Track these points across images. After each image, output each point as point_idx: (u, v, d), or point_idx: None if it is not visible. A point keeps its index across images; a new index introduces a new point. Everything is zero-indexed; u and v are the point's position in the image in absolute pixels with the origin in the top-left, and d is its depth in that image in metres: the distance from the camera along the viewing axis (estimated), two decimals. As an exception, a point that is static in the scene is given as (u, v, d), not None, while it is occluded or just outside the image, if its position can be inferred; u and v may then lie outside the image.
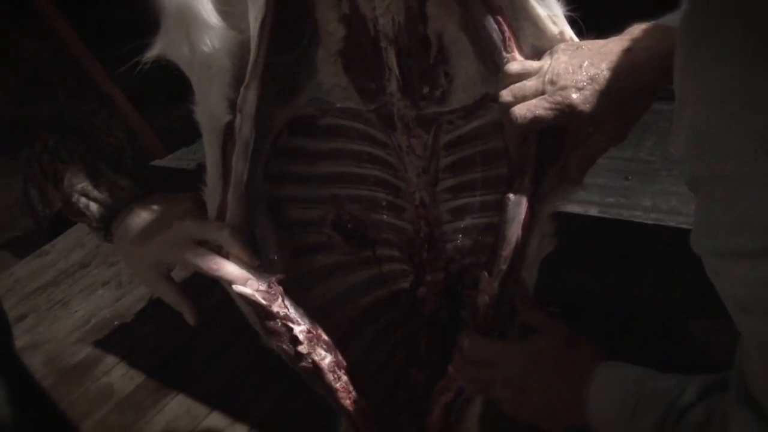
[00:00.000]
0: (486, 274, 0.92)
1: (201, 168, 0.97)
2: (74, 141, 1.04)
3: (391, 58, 0.95)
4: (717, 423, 0.68)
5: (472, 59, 0.92)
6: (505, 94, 0.83)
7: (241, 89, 0.92)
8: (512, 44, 0.85)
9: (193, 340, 2.06)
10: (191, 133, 1.00)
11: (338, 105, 1.00)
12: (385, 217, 1.07)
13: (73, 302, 2.43)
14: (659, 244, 1.61)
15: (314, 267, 1.08)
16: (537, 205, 0.89)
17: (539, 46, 0.86)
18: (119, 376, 2.01)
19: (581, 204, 1.72)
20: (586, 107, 0.79)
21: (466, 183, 1.02)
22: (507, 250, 0.90)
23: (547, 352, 0.90)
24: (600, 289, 1.85)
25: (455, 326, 1.06)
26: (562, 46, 0.84)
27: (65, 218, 1.11)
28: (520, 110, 0.81)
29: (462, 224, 1.04)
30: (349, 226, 1.07)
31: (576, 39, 0.87)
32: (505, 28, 0.85)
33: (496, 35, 0.85)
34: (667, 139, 1.86)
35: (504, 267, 0.91)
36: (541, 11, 0.84)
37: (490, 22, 0.85)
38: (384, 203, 1.06)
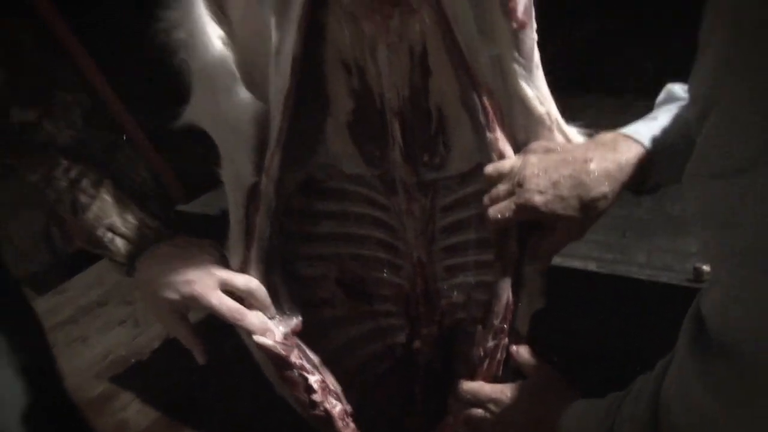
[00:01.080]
0: (481, 328, 1.02)
1: (225, 214, 1.06)
2: (99, 174, 1.09)
3: (396, 129, 1.05)
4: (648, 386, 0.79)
5: (468, 130, 1.02)
6: (485, 200, 0.97)
7: (268, 155, 1.02)
8: (494, 124, 0.96)
9: (208, 379, 2.13)
10: (213, 178, 1.07)
11: (345, 170, 1.10)
12: (384, 274, 1.16)
13: (91, 339, 2.52)
14: (653, 299, 1.69)
15: (319, 320, 1.16)
16: (523, 267, 0.99)
17: (527, 125, 0.97)
18: (135, 412, 2.09)
19: (581, 259, 1.81)
20: (547, 209, 0.91)
21: (461, 243, 1.11)
22: (498, 307, 1.00)
23: (528, 392, 0.99)
24: (597, 340, 1.91)
25: (448, 376, 1.14)
26: (534, 146, 0.96)
27: (83, 256, 1.18)
28: (494, 211, 0.95)
29: (456, 281, 1.13)
30: (350, 283, 1.16)
31: (561, 120, 0.97)
32: (489, 110, 0.95)
33: (481, 116, 0.96)
34: (662, 199, 1.95)
35: (496, 322, 1.01)
36: (529, 92, 0.95)
37: (477, 103, 0.96)
38: (384, 261, 1.15)
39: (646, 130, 0.95)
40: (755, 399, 0.62)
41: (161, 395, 2.11)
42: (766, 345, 0.60)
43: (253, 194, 1.03)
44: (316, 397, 1.05)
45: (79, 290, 2.85)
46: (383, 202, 1.11)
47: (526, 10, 0.91)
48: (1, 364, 1.16)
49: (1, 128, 1.06)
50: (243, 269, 1.05)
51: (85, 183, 1.09)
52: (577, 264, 1.79)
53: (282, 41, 0.98)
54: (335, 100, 1.05)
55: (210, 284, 1.03)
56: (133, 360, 2.34)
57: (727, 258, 0.62)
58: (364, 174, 1.10)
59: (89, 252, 1.13)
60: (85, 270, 2.96)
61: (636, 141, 0.93)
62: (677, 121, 0.96)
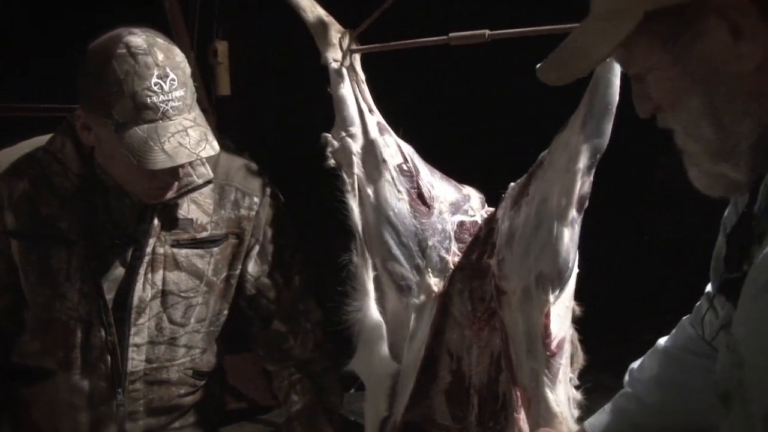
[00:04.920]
0: None
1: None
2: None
3: (474, 401, 1.66)
4: None
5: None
6: None
7: (398, 401, 1.65)
8: (520, 408, 1.57)
9: None
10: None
11: (438, 420, 1.70)
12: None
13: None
14: None
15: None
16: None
17: (546, 416, 1.55)
18: None
19: None
20: None
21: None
22: None
23: None
24: None
25: None
26: (541, 429, 1.53)
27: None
28: None
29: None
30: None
31: (568, 416, 1.56)
32: (520, 399, 1.56)
33: (515, 400, 1.57)
34: None
35: None
36: (550, 395, 1.55)
37: (515, 392, 1.58)
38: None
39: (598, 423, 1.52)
40: None
41: None
42: None
43: (384, 423, 1.65)
44: None
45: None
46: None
47: (558, 344, 1.56)
48: None
49: None
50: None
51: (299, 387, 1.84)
52: None
53: (415, 332, 1.66)
54: (441, 375, 1.69)
55: None
56: None
57: None
58: (450, 426, 1.69)
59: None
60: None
61: None
62: (619, 414, 1.51)
